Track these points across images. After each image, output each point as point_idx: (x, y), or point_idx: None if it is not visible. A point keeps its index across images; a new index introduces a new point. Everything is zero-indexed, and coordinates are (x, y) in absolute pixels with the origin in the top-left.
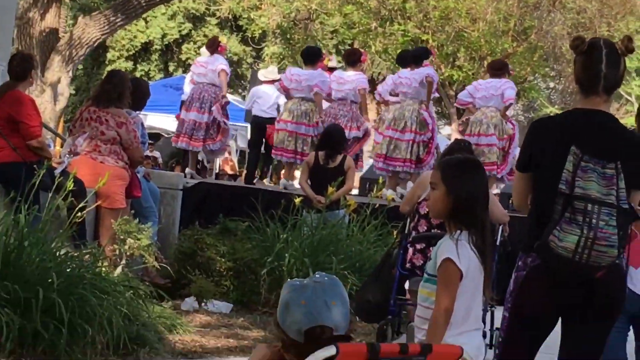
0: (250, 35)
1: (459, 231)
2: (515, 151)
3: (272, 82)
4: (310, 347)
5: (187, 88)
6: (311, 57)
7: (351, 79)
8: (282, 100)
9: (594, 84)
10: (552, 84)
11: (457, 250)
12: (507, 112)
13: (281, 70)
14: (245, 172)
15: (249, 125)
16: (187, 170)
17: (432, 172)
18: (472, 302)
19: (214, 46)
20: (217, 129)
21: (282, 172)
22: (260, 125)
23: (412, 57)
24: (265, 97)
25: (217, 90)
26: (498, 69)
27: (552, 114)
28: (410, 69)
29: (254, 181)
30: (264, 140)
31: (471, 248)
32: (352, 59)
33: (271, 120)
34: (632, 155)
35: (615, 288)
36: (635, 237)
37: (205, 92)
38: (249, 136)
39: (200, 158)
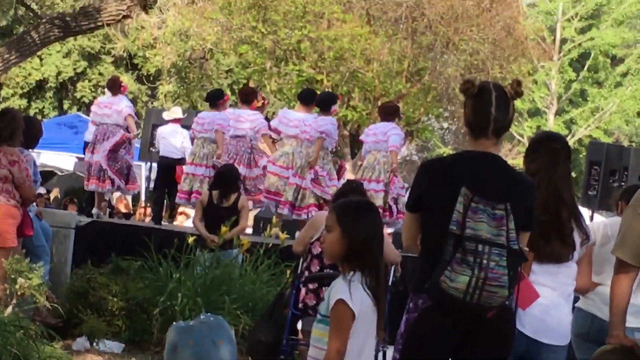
0: (145, 74)
1: (352, 272)
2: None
3: (177, 121)
4: None
5: (90, 130)
6: (213, 99)
7: (250, 119)
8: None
9: (483, 126)
10: (445, 125)
11: (349, 291)
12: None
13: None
14: (143, 211)
15: (142, 164)
16: (95, 210)
17: (327, 214)
18: (365, 342)
19: (115, 86)
20: (128, 173)
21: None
22: (168, 166)
23: (321, 101)
24: (171, 137)
25: (121, 130)
26: (388, 114)
27: (443, 155)
28: (306, 111)
29: (162, 222)
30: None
31: (364, 289)
32: (247, 98)
33: (180, 161)
34: (521, 197)
35: (506, 328)
36: (523, 279)
37: (110, 133)
38: (143, 175)
39: (107, 198)
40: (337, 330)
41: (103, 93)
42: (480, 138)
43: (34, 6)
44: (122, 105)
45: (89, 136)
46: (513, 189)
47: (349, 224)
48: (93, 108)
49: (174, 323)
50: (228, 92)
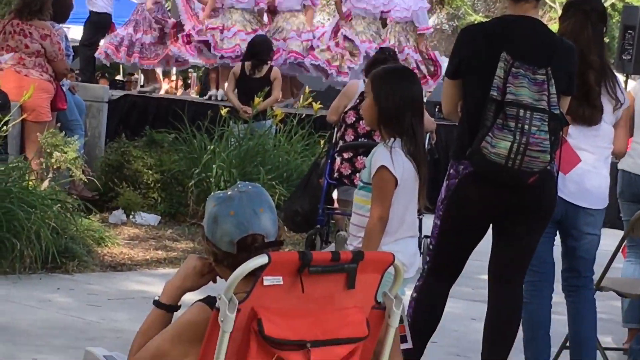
0: None
1: (392, 139)
2: None
3: None
4: (243, 256)
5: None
6: None
7: None
8: None
9: None
10: None
11: (391, 157)
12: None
13: None
14: (174, 84)
15: None
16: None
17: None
18: (407, 209)
19: None
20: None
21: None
22: None
23: None
24: None
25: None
26: None
27: (477, 22)
28: None
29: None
30: None
31: (405, 155)
32: None
33: None
34: (562, 61)
35: (547, 193)
36: (564, 143)
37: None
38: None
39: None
40: (379, 196)
41: None
42: (520, 1)
43: None
44: None
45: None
46: (554, 53)
47: (379, 91)
48: None
49: (212, 193)
50: None
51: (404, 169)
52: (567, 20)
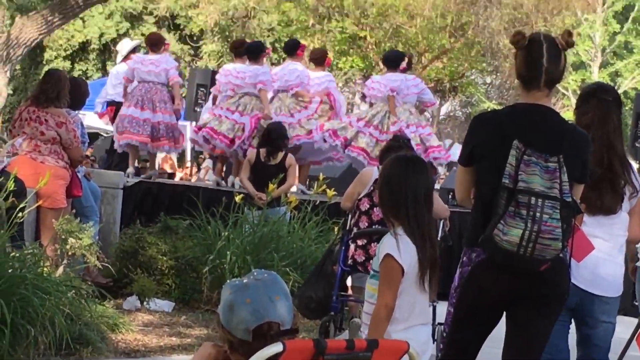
0: (188, 34)
1: (399, 227)
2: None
3: None
4: (259, 344)
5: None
6: (255, 51)
7: (319, 81)
8: None
9: (535, 78)
10: (489, 79)
11: (398, 246)
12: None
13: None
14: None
15: (187, 124)
16: (152, 170)
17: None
18: (417, 297)
19: (159, 44)
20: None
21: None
22: None
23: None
24: None
25: (164, 90)
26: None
27: (491, 109)
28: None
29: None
30: None
31: (413, 243)
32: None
33: None
34: (574, 149)
35: (560, 281)
36: (577, 231)
37: (153, 92)
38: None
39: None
40: (386, 284)
41: (146, 53)
42: (532, 90)
43: None
44: (169, 66)
45: (113, 93)
46: (566, 141)
47: (388, 179)
48: (133, 64)
49: (228, 281)
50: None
51: (411, 257)
52: (589, 110)
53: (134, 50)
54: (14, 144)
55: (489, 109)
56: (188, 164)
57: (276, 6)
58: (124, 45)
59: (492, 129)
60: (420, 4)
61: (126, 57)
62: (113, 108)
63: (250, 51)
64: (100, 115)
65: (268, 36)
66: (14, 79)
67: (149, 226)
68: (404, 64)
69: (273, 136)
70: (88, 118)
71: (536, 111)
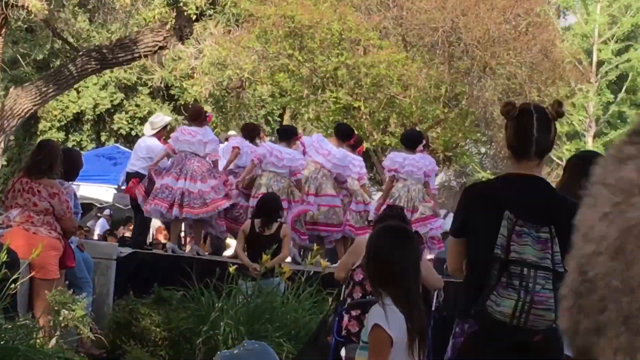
0: (182, 104)
1: (387, 297)
2: None
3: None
4: None
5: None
6: (287, 135)
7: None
8: None
9: (525, 148)
10: (483, 150)
11: (386, 316)
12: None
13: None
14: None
15: None
16: (170, 244)
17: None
18: None
19: (200, 117)
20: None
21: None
22: None
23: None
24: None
25: (196, 159)
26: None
27: (484, 179)
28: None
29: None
30: None
31: (401, 312)
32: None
33: None
34: (566, 219)
35: (554, 352)
36: None
37: (189, 159)
38: None
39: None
40: (375, 355)
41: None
42: (522, 160)
43: (70, 39)
44: (208, 138)
45: (132, 167)
46: (557, 211)
47: (375, 249)
48: (175, 134)
49: (219, 352)
50: (262, 122)
51: (399, 327)
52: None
53: (166, 126)
54: (8, 216)
55: (483, 179)
56: (183, 234)
57: (270, 76)
58: (159, 120)
59: (483, 200)
60: (414, 75)
61: (158, 132)
62: (137, 180)
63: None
64: (127, 191)
65: (262, 107)
66: (7, 149)
67: (143, 297)
68: (420, 146)
69: (268, 206)
70: (82, 188)
71: (527, 181)
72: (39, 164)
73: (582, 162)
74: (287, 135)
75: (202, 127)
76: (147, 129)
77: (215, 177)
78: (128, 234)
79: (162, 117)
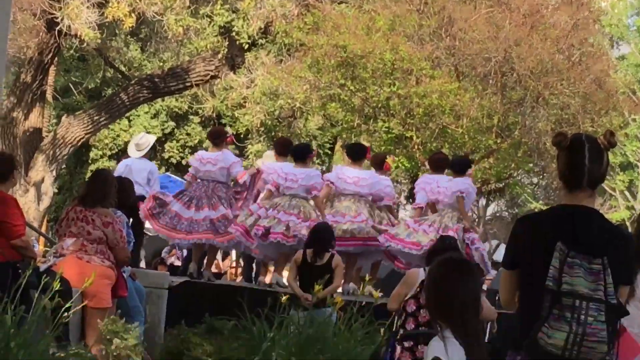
0: (233, 133)
1: (447, 329)
2: None
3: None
4: None
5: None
6: (302, 154)
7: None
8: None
9: (577, 179)
10: (535, 180)
11: (446, 349)
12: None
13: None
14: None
15: None
16: (206, 272)
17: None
18: None
19: (220, 137)
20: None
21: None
22: None
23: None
24: None
25: (222, 186)
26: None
27: (536, 210)
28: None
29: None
30: None
31: (461, 345)
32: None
33: None
34: (618, 250)
35: None
36: (623, 333)
37: (212, 188)
38: None
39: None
40: None
41: (191, 153)
42: (574, 191)
43: (122, 68)
44: (228, 164)
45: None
46: (609, 242)
47: (434, 283)
48: (195, 163)
49: None
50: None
51: (460, 359)
52: None
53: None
54: (62, 244)
55: (535, 210)
56: (233, 264)
57: (321, 107)
58: (144, 142)
59: (535, 231)
60: (467, 105)
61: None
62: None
63: (297, 153)
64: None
65: (313, 138)
66: (59, 177)
67: (194, 327)
68: (470, 171)
69: (320, 237)
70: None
71: (579, 212)
72: (93, 193)
73: None
74: (302, 155)
75: (220, 150)
76: (133, 151)
77: (230, 206)
78: (177, 262)
79: (147, 137)
